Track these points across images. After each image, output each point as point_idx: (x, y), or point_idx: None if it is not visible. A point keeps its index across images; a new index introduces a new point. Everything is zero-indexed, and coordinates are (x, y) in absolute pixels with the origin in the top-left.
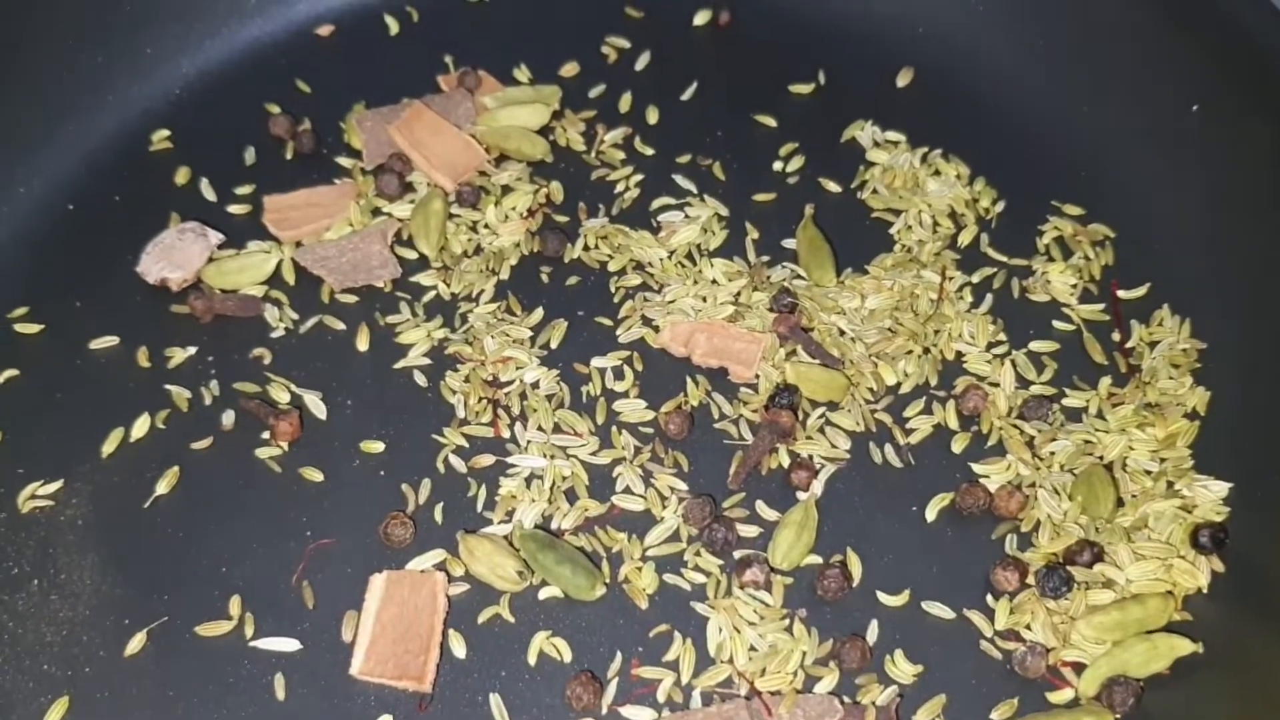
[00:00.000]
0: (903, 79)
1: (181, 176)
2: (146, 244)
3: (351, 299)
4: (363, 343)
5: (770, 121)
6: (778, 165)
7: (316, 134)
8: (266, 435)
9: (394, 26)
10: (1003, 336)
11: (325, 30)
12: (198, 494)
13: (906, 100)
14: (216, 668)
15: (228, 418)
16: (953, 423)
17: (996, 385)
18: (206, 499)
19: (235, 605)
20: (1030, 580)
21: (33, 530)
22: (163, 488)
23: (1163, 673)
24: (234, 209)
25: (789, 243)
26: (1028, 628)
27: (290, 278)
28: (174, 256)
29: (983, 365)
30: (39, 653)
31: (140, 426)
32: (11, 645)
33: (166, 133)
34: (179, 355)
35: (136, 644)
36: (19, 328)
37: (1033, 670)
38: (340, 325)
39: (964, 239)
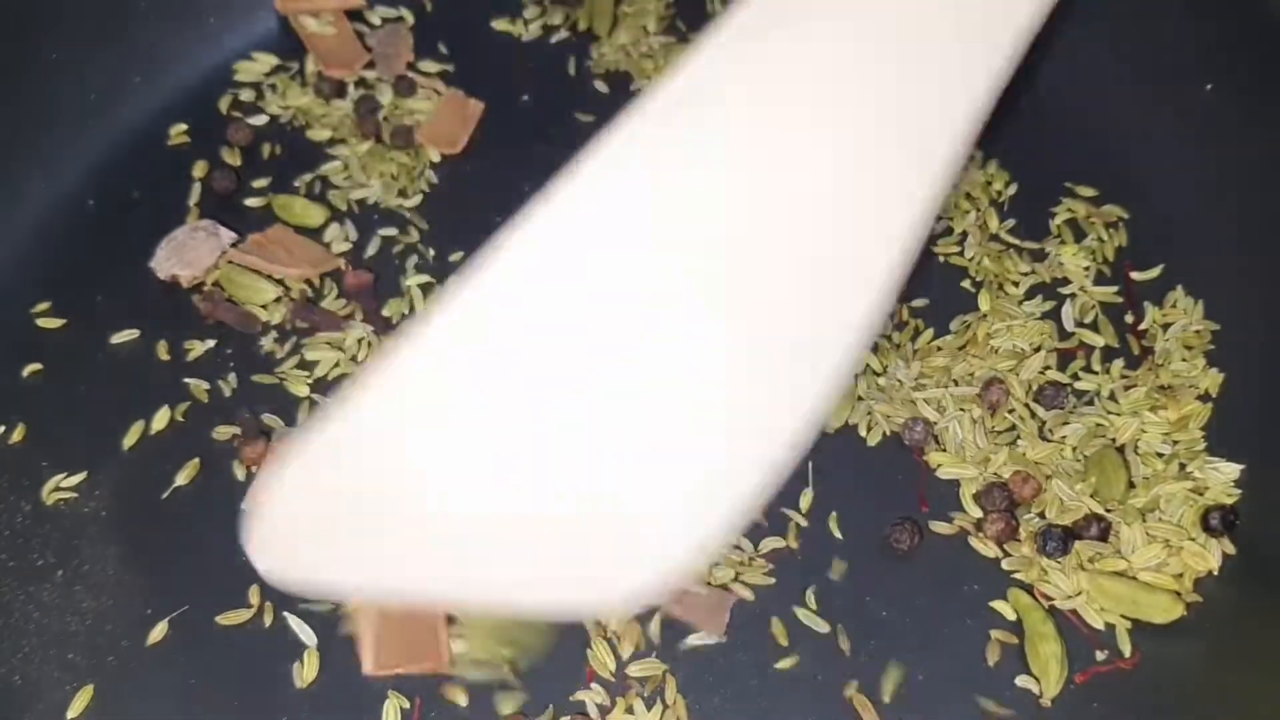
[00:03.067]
0: None
1: (199, 170)
2: (161, 239)
3: None
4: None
5: None
6: None
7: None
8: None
9: (409, 19)
10: None
11: None
12: (217, 485)
13: None
14: (237, 656)
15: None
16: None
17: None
18: (225, 490)
19: (254, 594)
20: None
21: (57, 522)
22: (182, 479)
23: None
24: (251, 201)
25: None
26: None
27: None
28: (185, 254)
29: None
30: (64, 642)
31: (160, 419)
32: (38, 635)
33: (184, 127)
34: (198, 348)
35: (159, 633)
36: (41, 322)
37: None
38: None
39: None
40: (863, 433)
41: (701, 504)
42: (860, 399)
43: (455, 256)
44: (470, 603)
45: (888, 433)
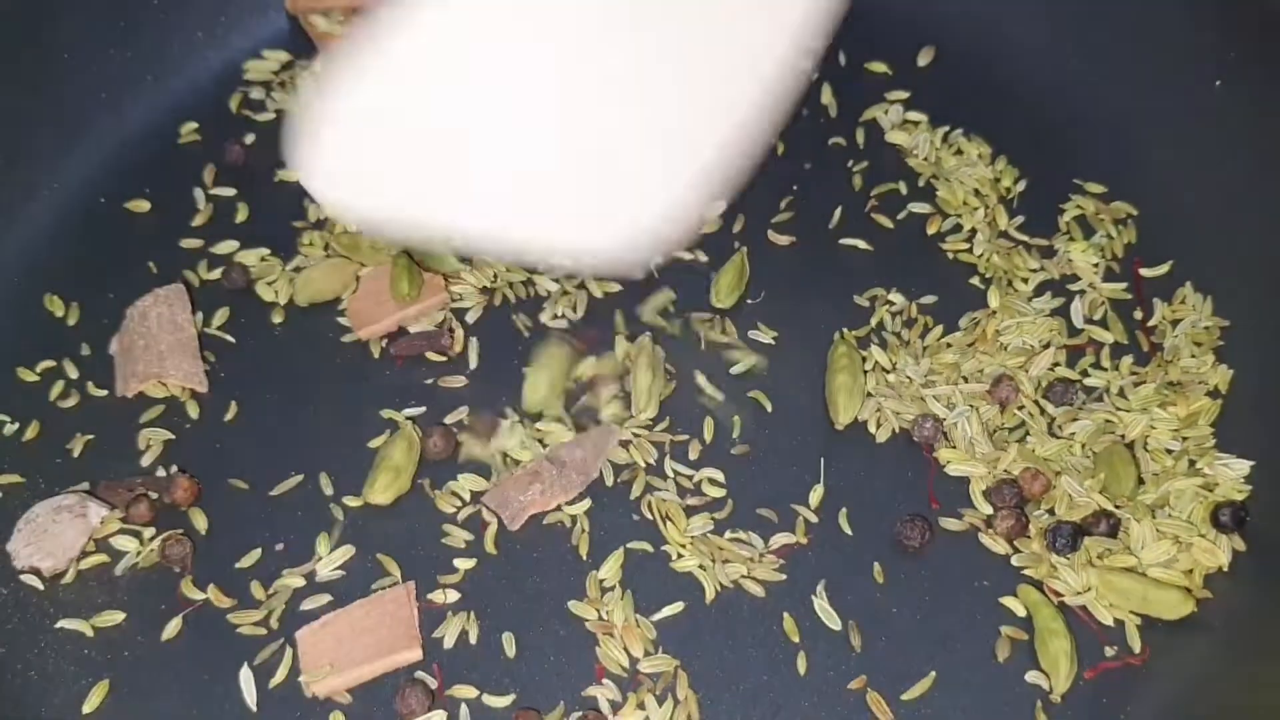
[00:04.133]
0: (924, 58)
1: (209, 175)
2: (19, 519)
3: None
4: None
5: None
6: None
7: None
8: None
9: None
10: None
11: None
12: (229, 487)
13: (928, 80)
14: (250, 652)
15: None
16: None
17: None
18: (231, 493)
19: (262, 591)
20: (1031, 534)
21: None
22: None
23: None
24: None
25: None
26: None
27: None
28: (45, 542)
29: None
30: (79, 638)
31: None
32: (53, 631)
33: (195, 125)
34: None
35: (173, 629)
36: (54, 319)
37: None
38: None
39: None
40: (872, 429)
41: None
42: (870, 395)
43: None
44: (483, 239)
45: (897, 430)
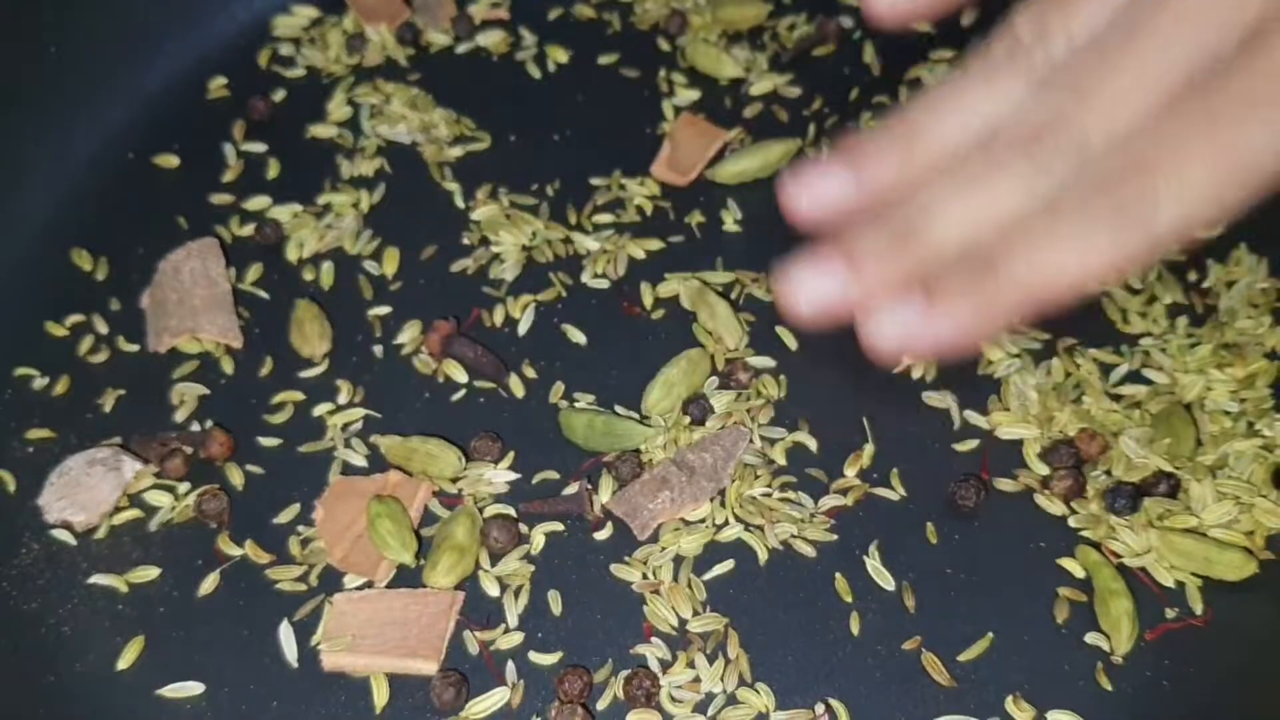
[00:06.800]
0: (967, 17)
1: (238, 130)
2: (50, 473)
3: None
4: None
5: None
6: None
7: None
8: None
9: None
10: None
11: None
12: (259, 443)
13: (972, 39)
14: (290, 608)
15: None
16: None
17: None
18: (267, 448)
19: (300, 548)
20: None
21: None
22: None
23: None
24: None
25: None
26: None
27: None
28: (78, 495)
29: None
30: (112, 594)
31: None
32: (86, 587)
33: (224, 80)
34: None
35: (210, 584)
36: (83, 273)
37: None
38: None
39: None
40: (918, 374)
41: None
42: None
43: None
44: None
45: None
